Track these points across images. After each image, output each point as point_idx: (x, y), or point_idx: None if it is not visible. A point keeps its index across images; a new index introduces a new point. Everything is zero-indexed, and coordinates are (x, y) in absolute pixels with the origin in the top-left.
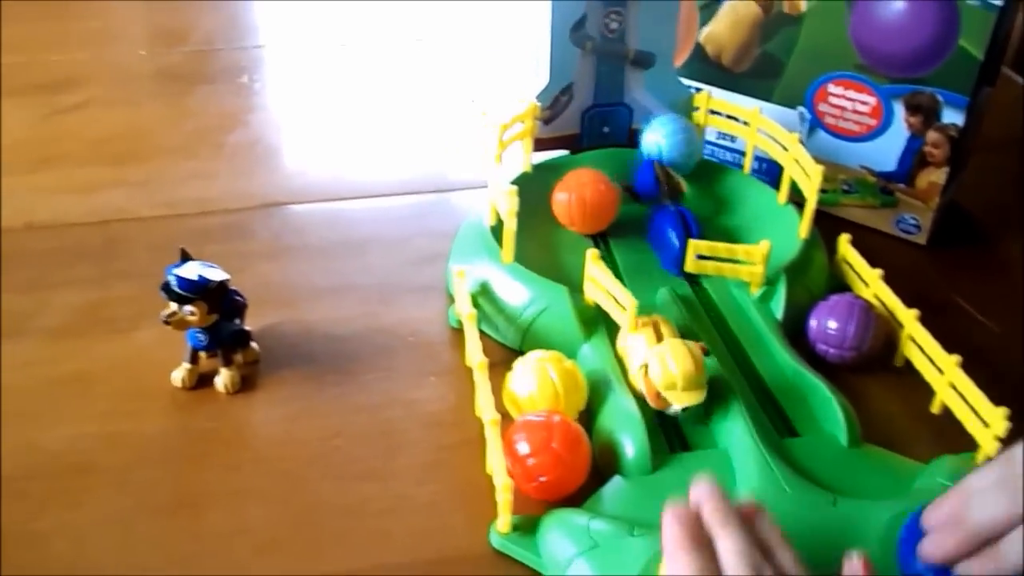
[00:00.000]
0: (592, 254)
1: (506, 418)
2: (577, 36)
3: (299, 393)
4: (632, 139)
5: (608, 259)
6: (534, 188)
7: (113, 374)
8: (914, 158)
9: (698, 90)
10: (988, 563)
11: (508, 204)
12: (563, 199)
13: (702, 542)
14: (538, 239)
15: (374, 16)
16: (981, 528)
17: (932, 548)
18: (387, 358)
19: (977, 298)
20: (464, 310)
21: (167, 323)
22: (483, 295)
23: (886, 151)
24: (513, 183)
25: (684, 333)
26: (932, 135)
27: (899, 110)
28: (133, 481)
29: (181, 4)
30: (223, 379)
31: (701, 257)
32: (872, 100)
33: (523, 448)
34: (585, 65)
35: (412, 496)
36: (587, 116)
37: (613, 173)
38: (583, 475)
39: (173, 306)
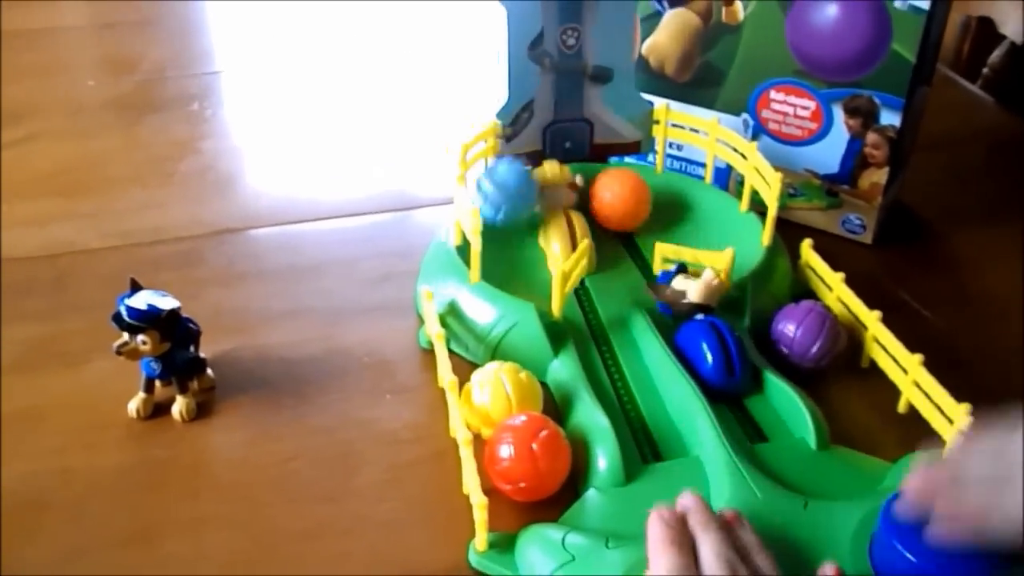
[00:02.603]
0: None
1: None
2: (535, 53)
3: (255, 418)
4: (594, 153)
5: (582, 288)
6: None
7: (67, 408)
8: (855, 159)
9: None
10: (974, 518)
11: (472, 224)
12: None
13: (685, 542)
14: (503, 257)
15: (322, 36)
16: (973, 514)
17: (914, 507)
18: (343, 379)
19: (923, 294)
20: (433, 330)
21: (119, 353)
22: (451, 315)
23: (828, 154)
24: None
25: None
26: (871, 136)
27: (838, 113)
28: (89, 515)
29: (129, 33)
30: (179, 407)
31: (667, 262)
32: (812, 104)
33: (507, 452)
34: (544, 82)
35: (370, 515)
36: (548, 132)
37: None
38: (563, 477)
39: (125, 336)
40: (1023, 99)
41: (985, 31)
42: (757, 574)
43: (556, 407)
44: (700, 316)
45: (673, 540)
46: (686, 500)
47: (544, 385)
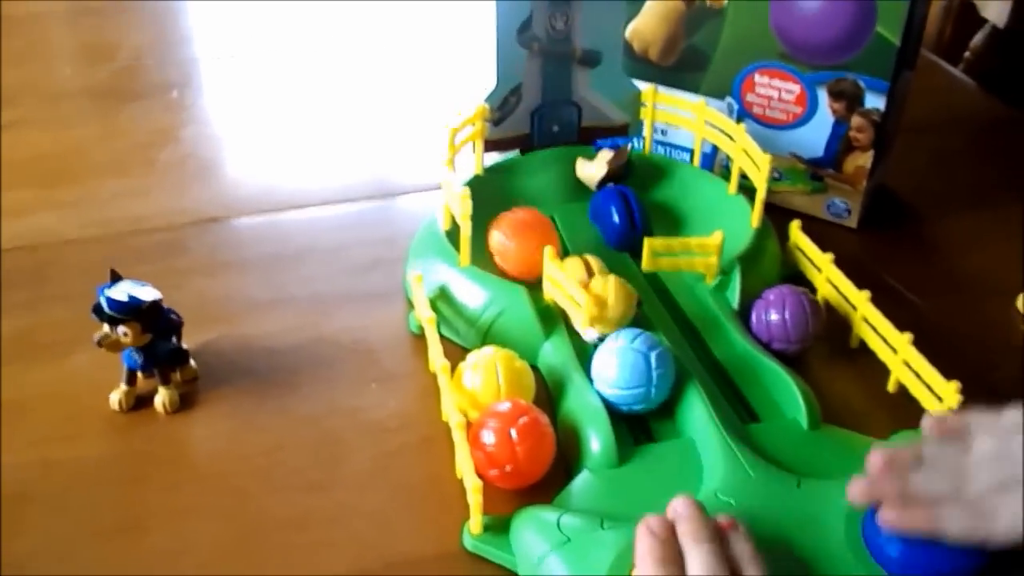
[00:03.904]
0: (549, 252)
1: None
2: (523, 37)
3: (239, 408)
4: (582, 136)
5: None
6: (487, 190)
7: (48, 400)
8: (840, 143)
9: None
10: (924, 520)
11: (462, 208)
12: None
13: (673, 557)
14: None
15: (304, 21)
16: (920, 494)
17: (864, 491)
18: (328, 368)
19: (909, 278)
20: (423, 314)
21: (100, 345)
22: (442, 299)
23: (813, 137)
24: (465, 185)
25: (642, 324)
26: (856, 120)
27: (823, 97)
28: (72, 507)
29: (107, 20)
30: (161, 398)
31: (658, 255)
32: (797, 88)
33: (488, 437)
34: (532, 65)
35: (357, 504)
36: (536, 116)
37: (566, 174)
38: (545, 465)
39: (105, 328)
40: (1004, 83)
41: (967, 15)
42: None
43: (548, 390)
44: (611, 185)
45: (661, 557)
46: (678, 506)
47: (536, 369)
